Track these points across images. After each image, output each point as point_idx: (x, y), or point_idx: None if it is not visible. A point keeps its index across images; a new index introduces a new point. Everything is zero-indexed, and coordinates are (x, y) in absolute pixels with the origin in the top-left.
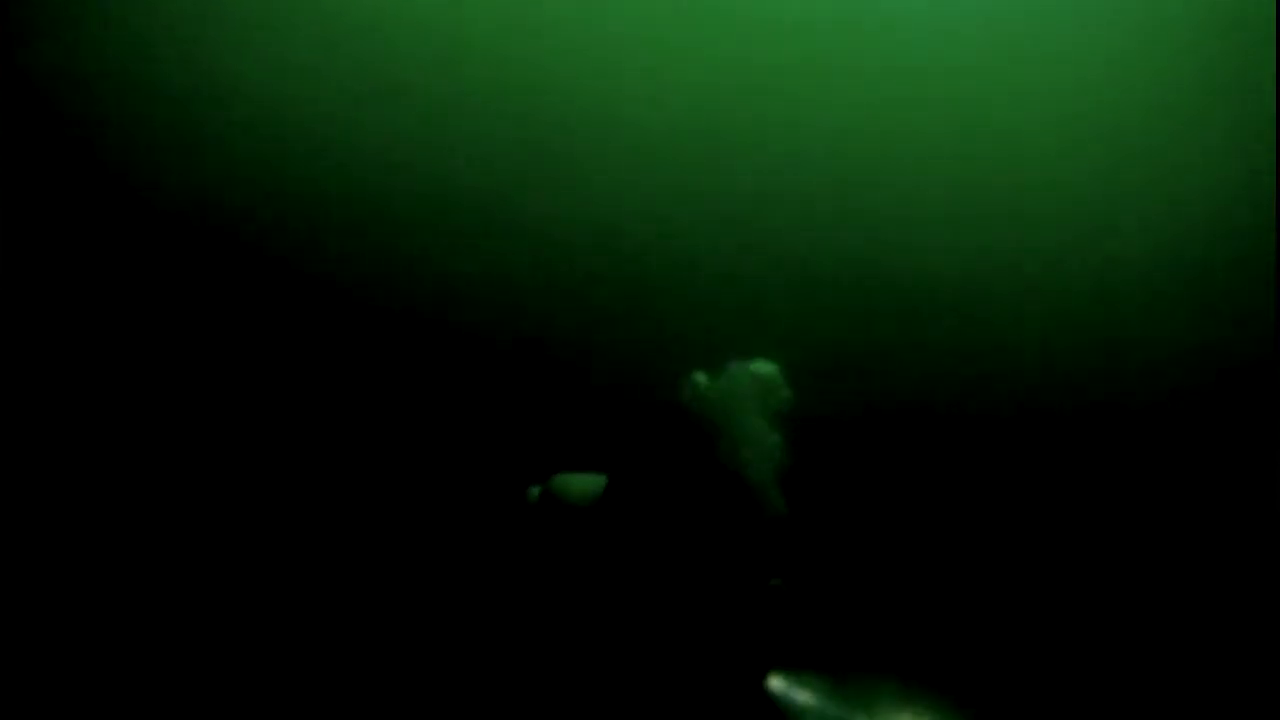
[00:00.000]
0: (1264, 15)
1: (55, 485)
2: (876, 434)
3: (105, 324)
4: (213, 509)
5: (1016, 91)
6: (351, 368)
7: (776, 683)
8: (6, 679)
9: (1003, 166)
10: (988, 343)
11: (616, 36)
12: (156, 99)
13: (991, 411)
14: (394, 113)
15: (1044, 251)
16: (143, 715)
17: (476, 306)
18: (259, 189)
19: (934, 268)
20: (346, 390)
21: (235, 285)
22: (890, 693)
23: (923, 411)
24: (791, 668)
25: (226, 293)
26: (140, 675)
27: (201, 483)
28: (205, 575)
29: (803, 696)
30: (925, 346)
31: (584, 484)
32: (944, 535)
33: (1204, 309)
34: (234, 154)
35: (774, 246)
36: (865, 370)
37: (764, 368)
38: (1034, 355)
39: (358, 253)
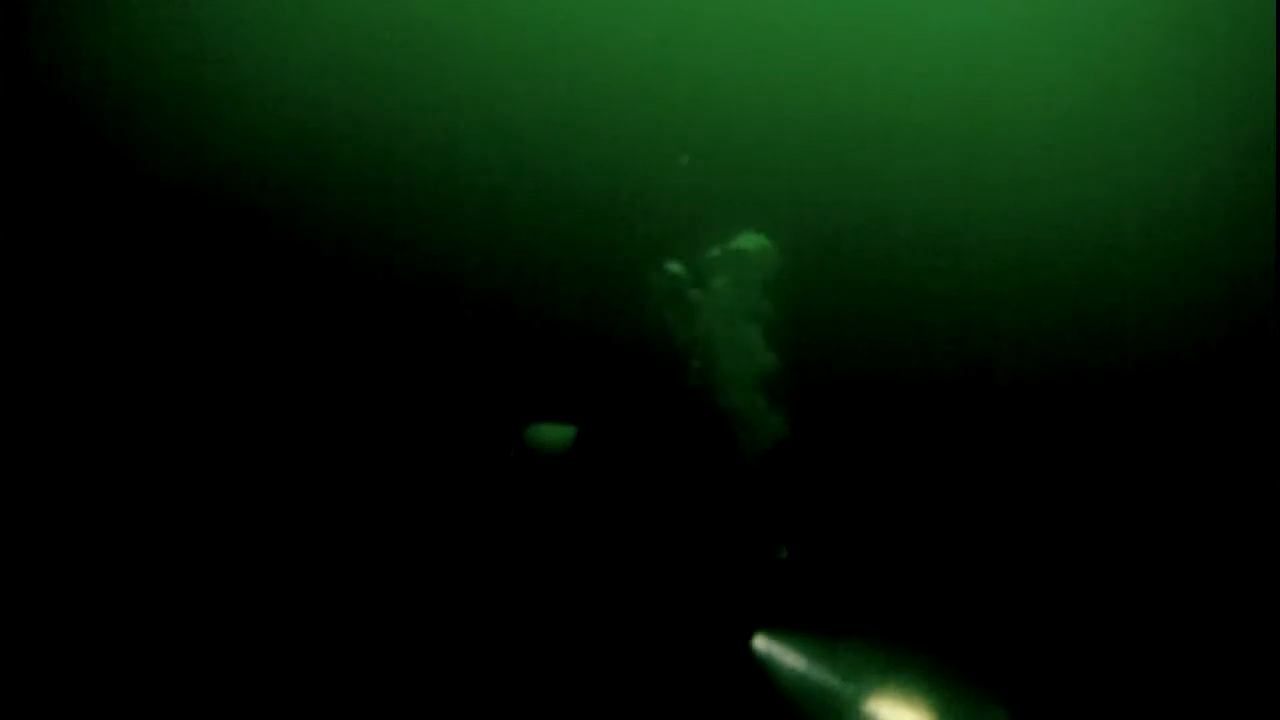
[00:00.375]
0: (1264, 15)
1: (57, 469)
2: (875, 407)
3: (101, 302)
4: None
5: (1017, 89)
6: (325, 327)
7: (762, 643)
8: (6, 679)
9: (1003, 162)
10: (986, 341)
11: None
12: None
13: (988, 406)
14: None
15: (1044, 244)
16: (143, 715)
17: (442, 263)
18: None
19: (931, 265)
20: (324, 353)
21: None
22: (876, 660)
23: (921, 397)
24: (778, 628)
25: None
26: (140, 675)
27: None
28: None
29: (788, 658)
30: (925, 342)
31: (555, 433)
32: (940, 511)
33: (1203, 304)
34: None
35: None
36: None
37: (749, 242)
38: (1032, 350)
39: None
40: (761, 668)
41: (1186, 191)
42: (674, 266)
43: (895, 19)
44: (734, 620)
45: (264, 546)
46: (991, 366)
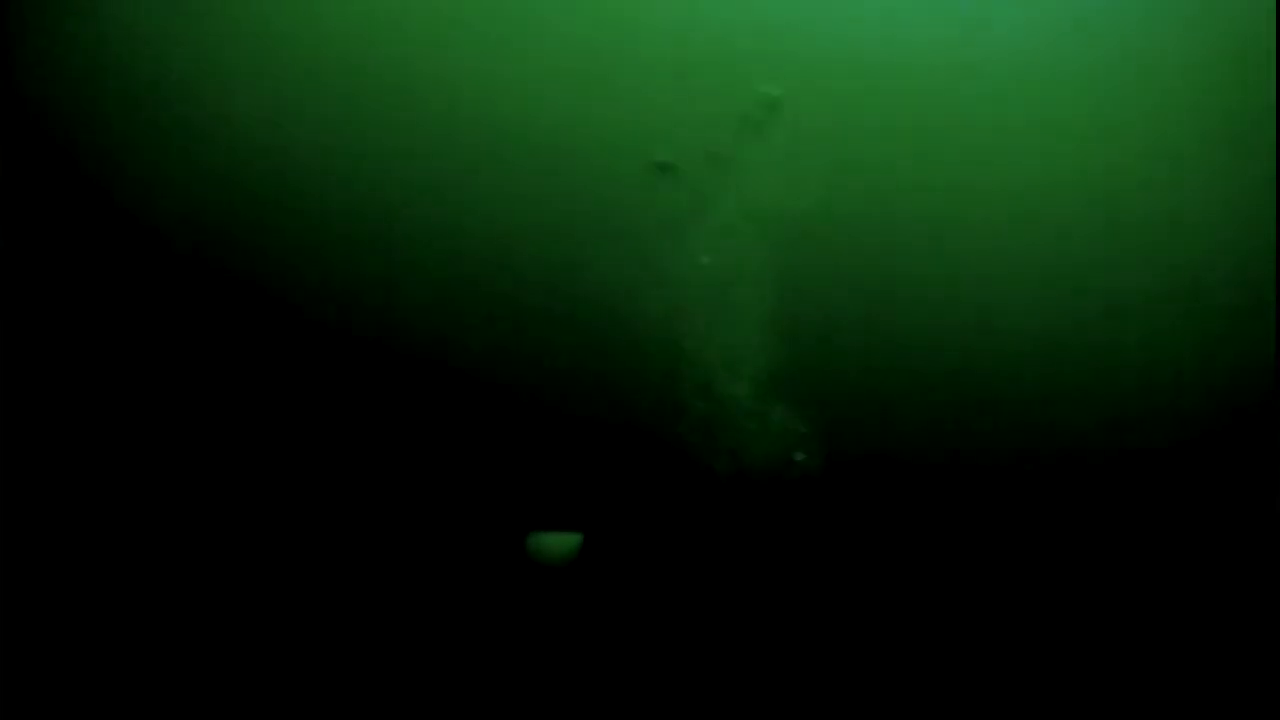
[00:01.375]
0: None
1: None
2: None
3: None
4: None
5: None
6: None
7: None
8: (6, 679)
9: (1001, 183)
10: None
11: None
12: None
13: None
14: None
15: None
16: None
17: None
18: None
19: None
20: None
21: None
22: None
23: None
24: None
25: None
26: (140, 675)
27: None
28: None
29: None
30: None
31: (560, 543)
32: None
33: (1206, 328)
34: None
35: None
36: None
37: None
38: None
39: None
40: None
41: (1187, 191)
42: None
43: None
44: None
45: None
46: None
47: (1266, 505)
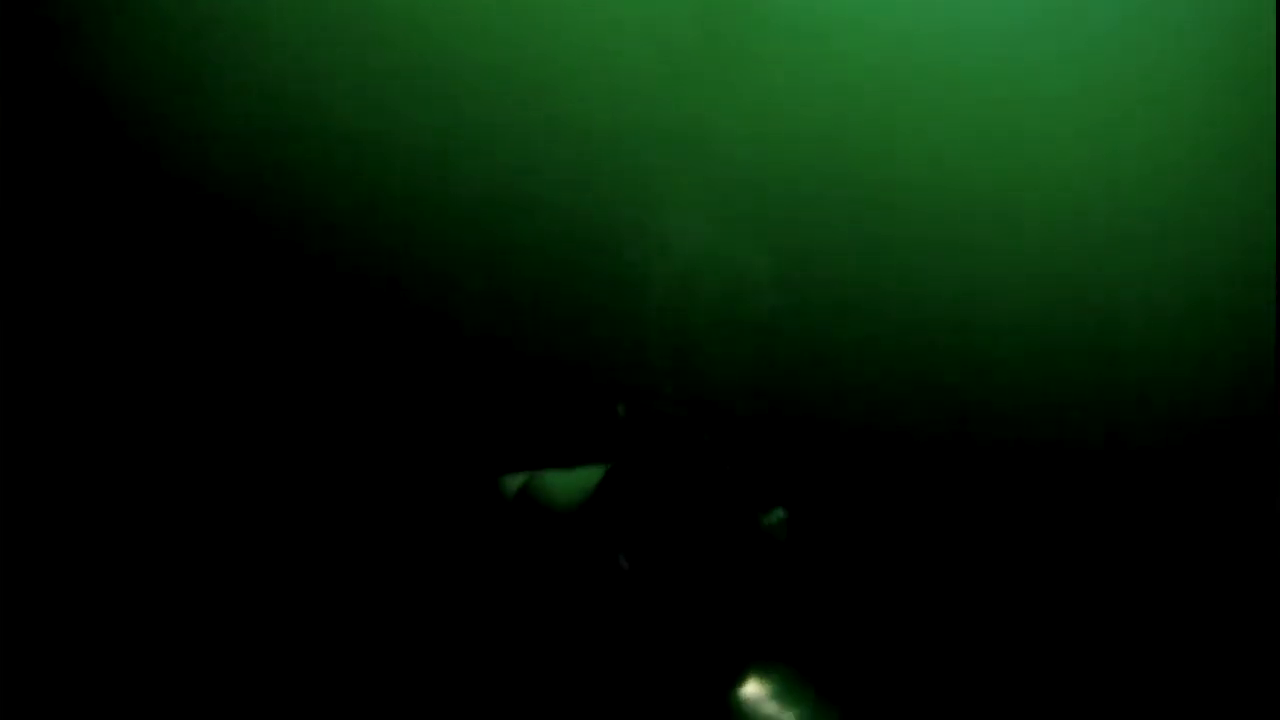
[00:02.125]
0: (1264, 16)
1: (57, 468)
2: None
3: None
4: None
5: (1018, 102)
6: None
7: (749, 690)
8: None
9: (1001, 181)
10: (984, 359)
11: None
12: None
13: (986, 427)
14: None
15: (1040, 264)
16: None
17: (461, 293)
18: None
19: (931, 284)
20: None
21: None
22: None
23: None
24: (765, 675)
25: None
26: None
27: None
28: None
29: (770, 708)
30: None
31: (567, 483)
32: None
33: (1206, 328)
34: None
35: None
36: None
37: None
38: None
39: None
40: (739, 714)
41: (1187, 191)
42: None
43: (894, 20)
44: (721, 664)
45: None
46: (992, 369)
47: (1266, 505)
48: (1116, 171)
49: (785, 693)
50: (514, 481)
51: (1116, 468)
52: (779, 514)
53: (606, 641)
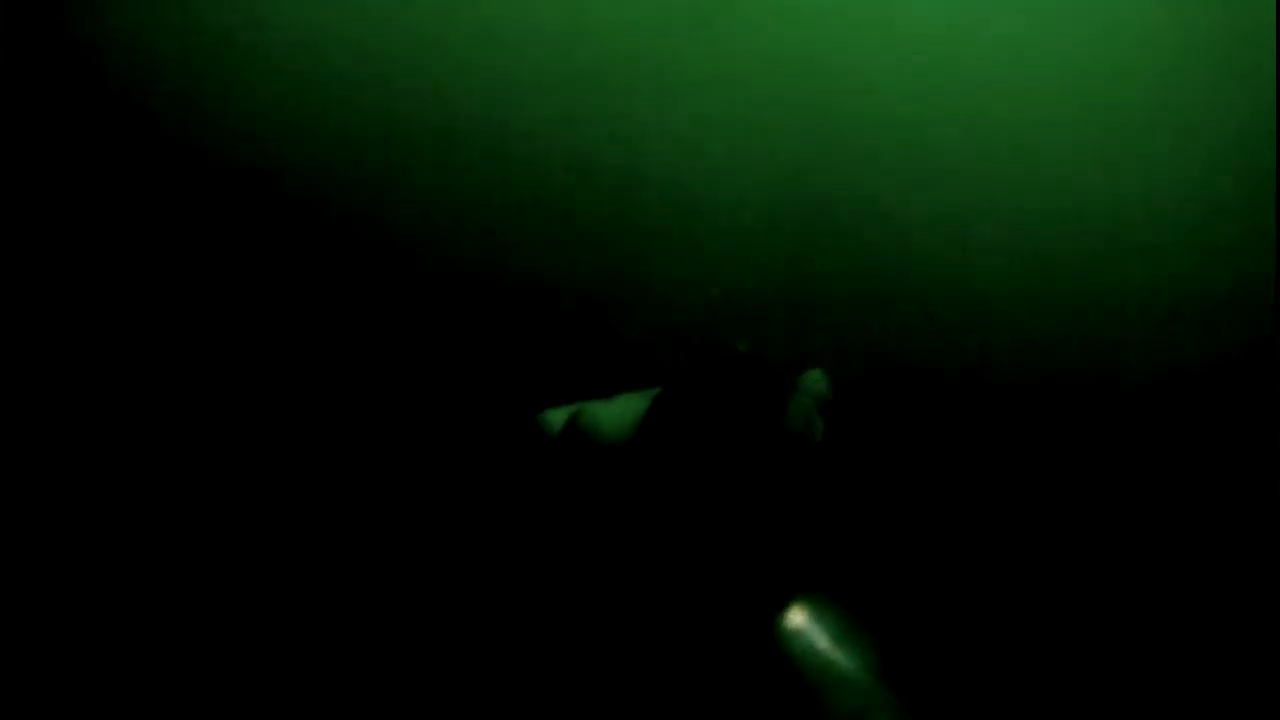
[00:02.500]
0: (1264, 15)
1: (57, 464)
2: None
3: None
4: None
5: (1019, 90)
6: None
7: (791, 619)
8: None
9: (1003, 168)
10: (985, 341)
11: None
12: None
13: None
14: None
15: (1044, 253)
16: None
17: (485, 236)
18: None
19: (935, 267)
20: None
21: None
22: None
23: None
24: (807, 605)
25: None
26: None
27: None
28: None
29: (813, 635)
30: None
31: (614, 413)
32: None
33: (1204, 302)
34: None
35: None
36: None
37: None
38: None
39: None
40: (783, 644)
41: (1186, 190)
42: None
43: (897, 20)
44: (764, 596)
45: (269, 535)
46: (993, 362)
47: (1266, 497)
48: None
49: (826, 622)
50: (557, 416)
51: (1118, 393)
52: (816, 378)
53: (655, 571)
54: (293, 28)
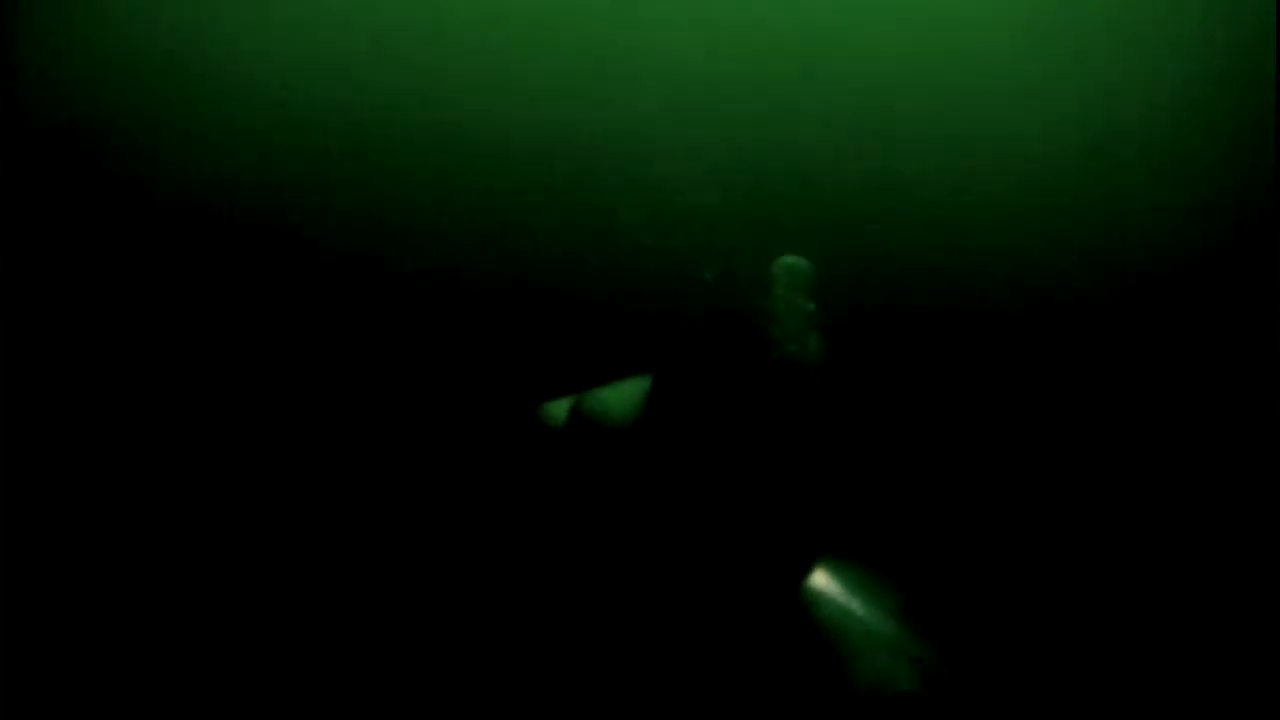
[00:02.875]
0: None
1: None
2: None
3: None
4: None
5: (1020, 87)
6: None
7: (817, 581)
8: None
9: (1004, 165)
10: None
11: None
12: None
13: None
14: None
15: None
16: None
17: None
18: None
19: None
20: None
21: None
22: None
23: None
24: (832, 568)
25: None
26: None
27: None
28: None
29: (836, 594)
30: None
31: (618, 397)
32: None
33: (1204, 299)
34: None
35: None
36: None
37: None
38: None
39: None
40: (807, 605)
41: (1187, 190)
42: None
43: (897, 20)
44: (784, 557)
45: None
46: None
47: (1266, 504)
48: None
49: (851, 584)
50: (558, 408)
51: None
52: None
53: (678, 539)
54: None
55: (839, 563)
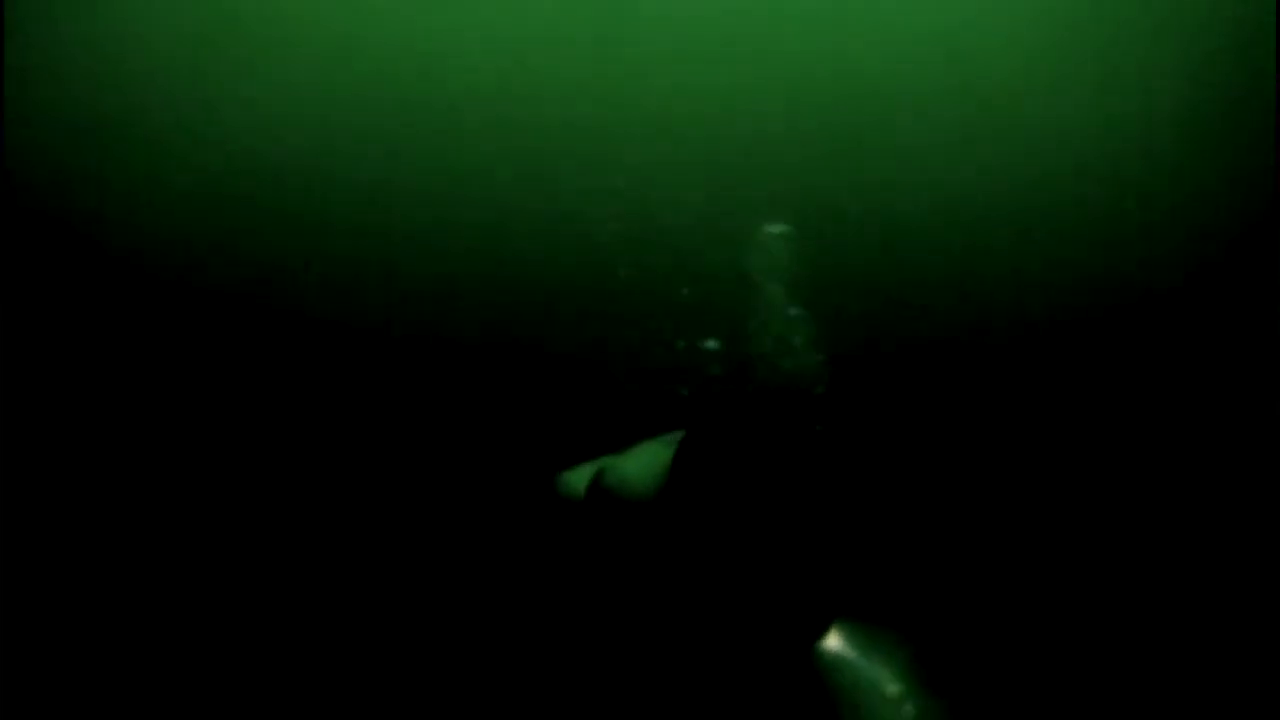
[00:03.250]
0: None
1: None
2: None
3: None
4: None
5: (1016, 86)
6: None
7: (832, 644)
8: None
9: (1004, 167)
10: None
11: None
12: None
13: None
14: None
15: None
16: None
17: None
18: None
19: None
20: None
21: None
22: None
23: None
24: (847, 630)
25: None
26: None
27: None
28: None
29: (851, 657)
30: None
31: (641, 468)
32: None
33: (1204, 301)
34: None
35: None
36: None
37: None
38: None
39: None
40: (823, 668)
41: (1187, 191)
42: None
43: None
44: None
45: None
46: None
47: (1267, 504)
48: None
49: (864, 647)
50: (577, 477)
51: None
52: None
53: (694, 602)
54: None
55: (851, 625)
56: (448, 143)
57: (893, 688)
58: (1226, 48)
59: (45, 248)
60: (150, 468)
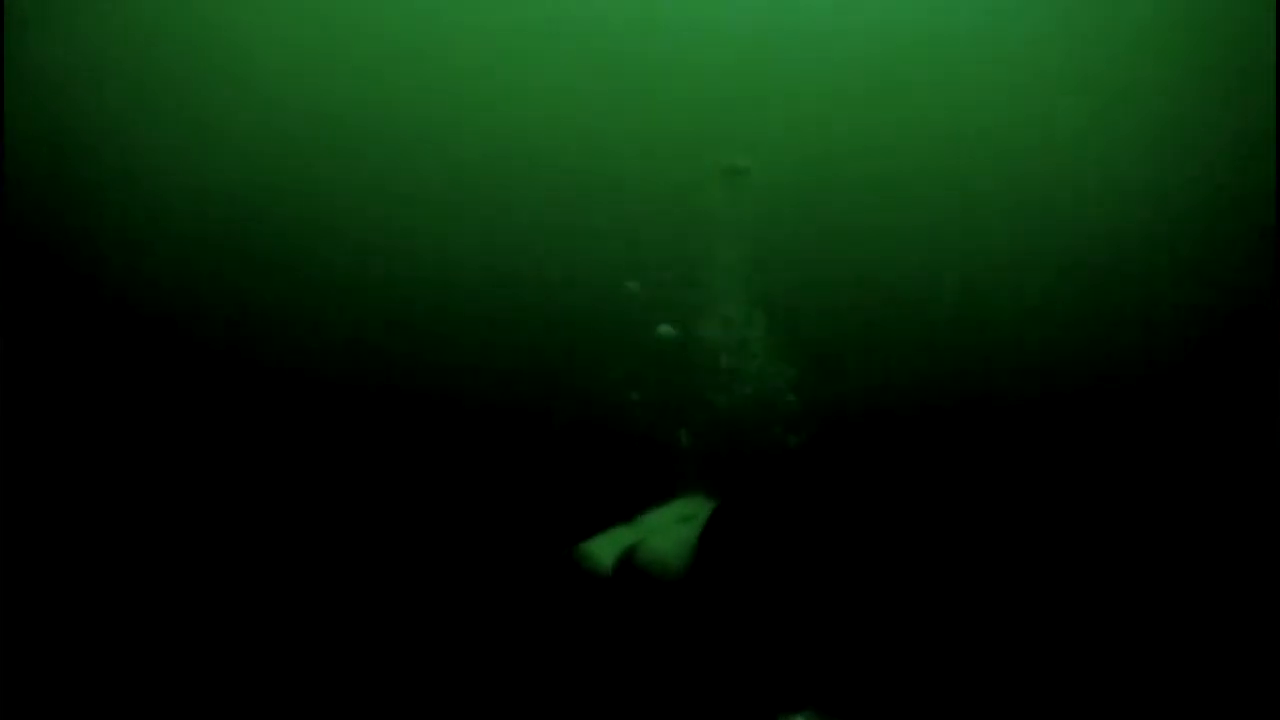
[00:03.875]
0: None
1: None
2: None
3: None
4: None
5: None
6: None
7: None
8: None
9: (1003, 167)
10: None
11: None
12: None
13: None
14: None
15: (1043, 247)
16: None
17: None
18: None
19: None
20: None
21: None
22: None
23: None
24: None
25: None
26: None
27: None
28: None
29: None
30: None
31: (674, 544)
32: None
33: (1204, 305)
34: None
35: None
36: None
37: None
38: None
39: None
40: None
41: (1187, 192)
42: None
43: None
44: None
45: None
46: (992, 369)
47: (1267, 503)
48: None
49: None
50: (601, 549)
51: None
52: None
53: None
54: None
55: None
56: (445, 156)
57: None
58: (1226, 48)
59: (34, 260)
60: (151, 467)
